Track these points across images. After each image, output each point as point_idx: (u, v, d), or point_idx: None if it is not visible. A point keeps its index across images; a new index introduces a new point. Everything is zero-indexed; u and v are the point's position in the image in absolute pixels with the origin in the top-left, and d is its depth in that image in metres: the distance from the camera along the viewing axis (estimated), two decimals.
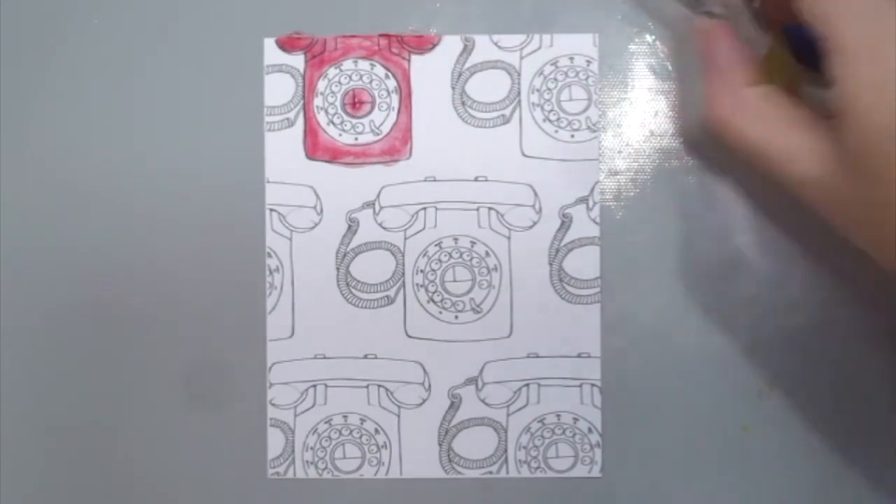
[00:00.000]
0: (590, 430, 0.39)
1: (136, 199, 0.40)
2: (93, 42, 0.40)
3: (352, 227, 0.40)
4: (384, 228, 0.40)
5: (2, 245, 0.40)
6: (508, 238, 0.40)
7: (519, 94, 0.40)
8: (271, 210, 0.40)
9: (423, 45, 0.40)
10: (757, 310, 0.39)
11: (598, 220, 0.39)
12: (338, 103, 0.40)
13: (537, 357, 0.39)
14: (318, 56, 0.40)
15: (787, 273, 0.39)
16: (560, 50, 0.40)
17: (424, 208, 0.40)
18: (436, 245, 0.40)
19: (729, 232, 0.39)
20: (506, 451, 0.40)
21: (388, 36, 0.40)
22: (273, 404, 0.40)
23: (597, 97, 0.40)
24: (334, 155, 0.40)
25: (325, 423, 0.40)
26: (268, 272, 0.40)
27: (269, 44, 0.40)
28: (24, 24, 0.40)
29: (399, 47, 0.40)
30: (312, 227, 0.40)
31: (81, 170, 0.40)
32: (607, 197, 0.40)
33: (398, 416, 0.40)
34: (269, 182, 0.40)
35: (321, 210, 0.40)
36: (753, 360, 0.39)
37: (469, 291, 0.40)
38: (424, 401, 0.40)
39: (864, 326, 0.39)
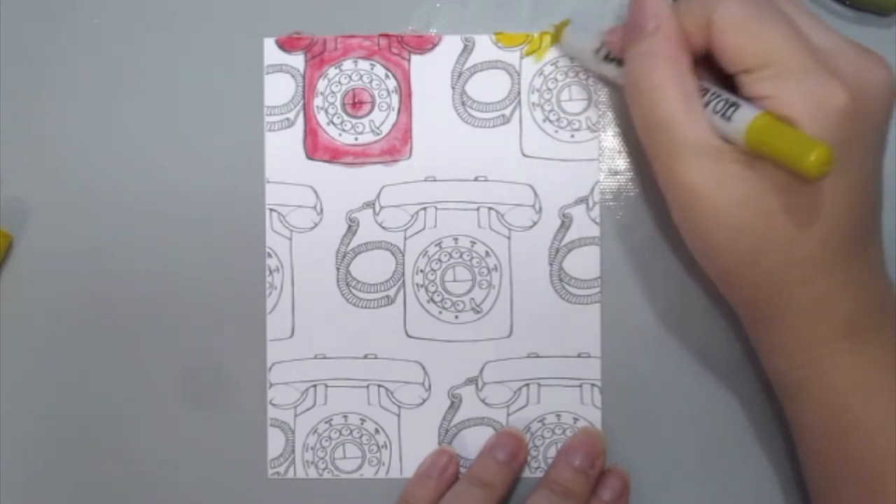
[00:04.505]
0: None
1: (135, 198, 0.40)
2: (93, 42, 0.40)
3: (352, 227, 0.40)
4: (384, 228, 0.40)
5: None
6: (508, 238, 0.40)
7: (519, 94, 0.40)
8: (271, 210, 0.40)
9: (423, 45, 0.40)
10: None
11: (598, 220, 0.39)
12: (338, 103, 0.40)
13: (537, 357, 0.39)
14: (318, 56, 0.40)
15: None
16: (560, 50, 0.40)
17: (424, 208, 0.40)
18: (436, 245, 0.40)
19: None
20: None
21: (388, 36, 0.40)
22: (273, 404, 0.40)
23: (597, 97, 0.40)
24: (334, 155, 0.40)
25: (326, 423, 0.40)
26: (268, 272, 0.40)
27: (269, 44, 0.40)
28: (24, 24, 0.40)
29: (399, 47, 0.40)
30: (312, 227, 0.40)
31: (81, 170, 0.40)
32: (607, 197, 0.40)
33: (398, 416, 0.40)
34: (269, 182, 0.40)
35: (321, 210, 0.40)
36: (753, 361, 0.39)
37: (469, 291, 0.40)
38: (424, 401, 0.40)
39: None
